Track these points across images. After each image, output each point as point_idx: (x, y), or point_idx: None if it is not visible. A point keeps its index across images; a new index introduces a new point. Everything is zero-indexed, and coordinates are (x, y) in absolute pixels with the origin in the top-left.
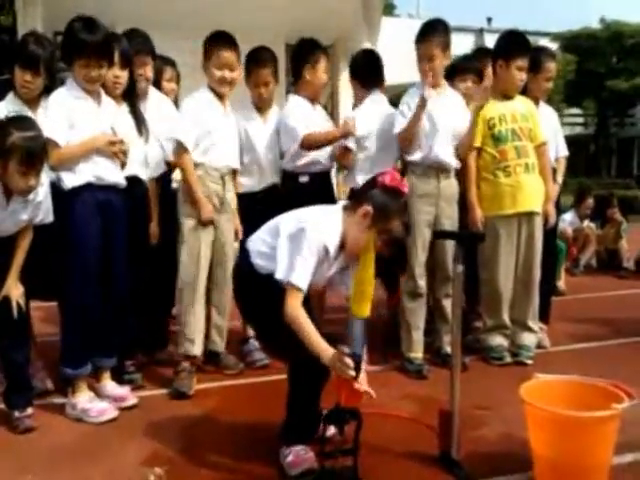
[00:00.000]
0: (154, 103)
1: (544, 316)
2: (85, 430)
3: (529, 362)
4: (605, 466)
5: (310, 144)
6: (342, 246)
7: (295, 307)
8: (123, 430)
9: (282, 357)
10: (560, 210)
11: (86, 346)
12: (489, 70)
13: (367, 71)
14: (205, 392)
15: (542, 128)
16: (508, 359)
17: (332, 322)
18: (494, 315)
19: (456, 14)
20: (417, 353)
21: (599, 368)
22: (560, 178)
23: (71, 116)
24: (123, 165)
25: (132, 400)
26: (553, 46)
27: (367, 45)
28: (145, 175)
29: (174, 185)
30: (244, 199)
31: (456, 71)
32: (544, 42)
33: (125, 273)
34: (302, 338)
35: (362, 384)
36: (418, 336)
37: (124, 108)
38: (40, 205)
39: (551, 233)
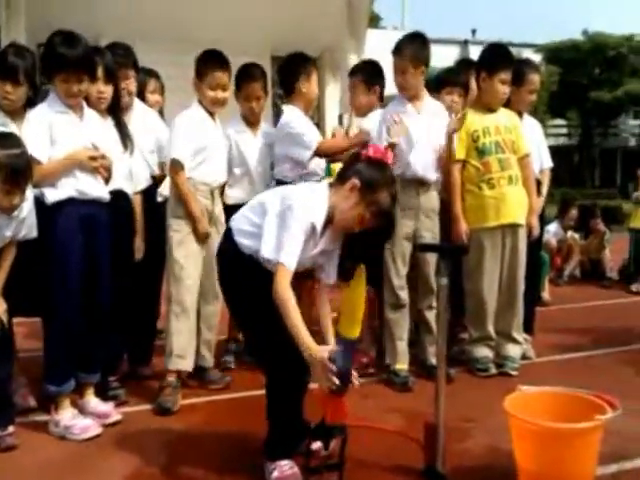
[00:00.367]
0: (139, 116)
1: (529, 327)
2: (68, 447)
3: (514, 373)
4: (589, 477)
5: (326, 151)
6: (328, 223)
7: (285, 287)
8: (107, 447)
9: (262, 357)
10: (544, 222)
11: (70, 362)
12: (472, 82)
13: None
14: (190, 407)
15: (526, 140)
16: (493, 370)
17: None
18: (479, 327)
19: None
20: (402, 365)
21: (583, 378)
22: (545, 190)
23: (52, 132)
24: (107, 180)
25: (116, 416)
26: (537, 58)
27: (353, 57)
28: (130, 189)
29: (159, 199)
30: (234, 211)
31: (442, 83)
32: (528, 54)
33: (109, 288)
34: (288, 324)
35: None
36: (402, 347)
37: (109, 122)
38: (24, 221)
39: (535, 245)
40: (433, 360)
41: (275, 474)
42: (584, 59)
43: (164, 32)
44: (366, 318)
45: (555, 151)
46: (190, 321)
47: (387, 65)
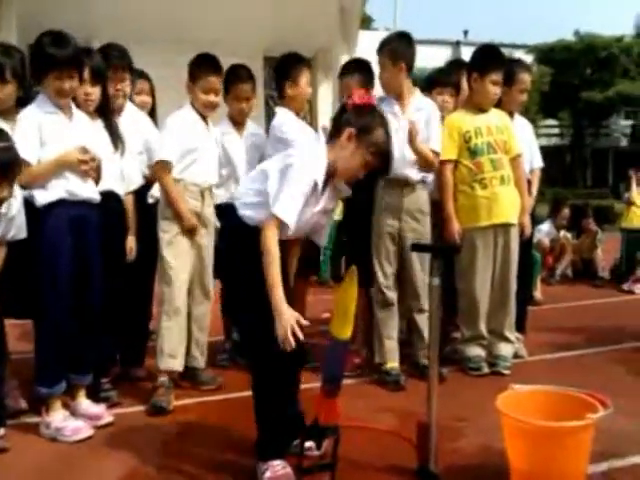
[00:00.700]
0: (130, 117)
1: (521, 326)
2: (60, 449)
3: (506, 372)
4: (581, 475)
5: None
6: (328, 179)
7: (271, 237)
8: (98, 449)
9: (254, 345)
10: (535, 221)
11: (60, 364)
12: (464, 83)
13: None
14: (182, 408)
15: (517, 140)
16: (486, 369)
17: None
18: (471, 326)
19: (433, 27)
20: (392, 363)
21: (575, 377)
22: (535, 190)
23: (42, 133)
24: (97, 181)
25: (108, 418)
26: (528, 58)
27: (345, 58)
28: (121, 190)
29: (150, 200)
30: (219, 210)
31: (433, 84)
32: (520, 54)
33: (100, 289)
34: (266, 275)
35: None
36: (391, 345)
37: (99, 124)
38: (13, 220)
39: (527, 244)
40: (424, 360)
41: (267, 474)
42: (576, 60)
43: (157, 33)
44: (358, 319)
45: (547, 151)
46: (181, 321)
47: (378, 66)
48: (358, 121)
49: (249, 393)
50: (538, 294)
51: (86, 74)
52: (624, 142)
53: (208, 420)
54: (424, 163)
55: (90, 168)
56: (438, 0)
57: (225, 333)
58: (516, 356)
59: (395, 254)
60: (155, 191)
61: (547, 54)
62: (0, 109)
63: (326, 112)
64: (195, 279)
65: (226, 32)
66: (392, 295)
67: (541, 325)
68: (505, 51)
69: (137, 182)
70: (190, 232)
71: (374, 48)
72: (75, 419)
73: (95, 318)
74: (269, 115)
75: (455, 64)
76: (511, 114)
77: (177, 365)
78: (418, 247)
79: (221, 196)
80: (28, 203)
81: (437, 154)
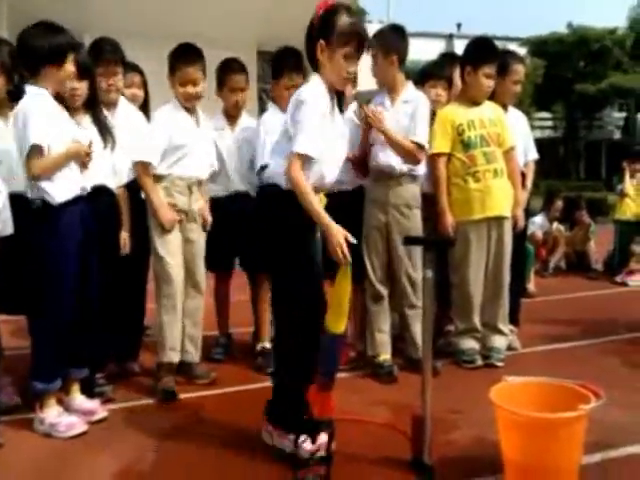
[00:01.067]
0: (123, 112)
1: (514, 318)
2: (54, 445)
3: (500, 364)
4: (575, 466)
5: None
6: (334, 99)
7: (296, 170)
8: (93, 444)
9: (287, 305)
10: (529, 214)
11: (60, 360)
12: (456, 76)
13: None
14: (177, 403)
15: (511, 133)
16: (479, 362)
17: None
18: (465, 319)
19: (426, 20)
20: (385, 355)
21: (568, 369)
22: (529, 183)
23: (49, 122)
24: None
25: (102, 414)
26: (522, 51)
27: None
28: (113, 184)
29: (143, 195)
30: (211, 204)
31: (427, 77)
32: (513, 47)
33: (97, 284)
34: (306, 207)
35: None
36: (382, 338)
37: (87, 119)
38: None
39: (521, 237)
40: (418, 354)
41: (308, 445)
42: (569, 52)
43: (150, 27)
44: (352, 313)
45: (541, 144)
46: (178, 315)
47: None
48: (320, 29)
49: (244, 387)
50: (531, 286)
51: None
52: (617, 134)
53: (203, 415)
54: (401, 153)
55: (88, 161)
56: None
57: (219, 328)
58: (510, 348)
59: (384, 248)
60: None
61: (540, 47)
62: None
63: None
64: (187, 274)
65: (219, 26)
66: (382, 289)
67: (534, 317)
68: (498, 44)
69: (128, 175)
70: (165, 225)
71: None
72: (69, 415)
73: (93, 313)
74: (262, 109)
75: (447, 57)
76: (505, 106)
77: (177, 357)
78: (412, 240)
79: (213, 190)
80: (24, 201)
81: (421, 147)
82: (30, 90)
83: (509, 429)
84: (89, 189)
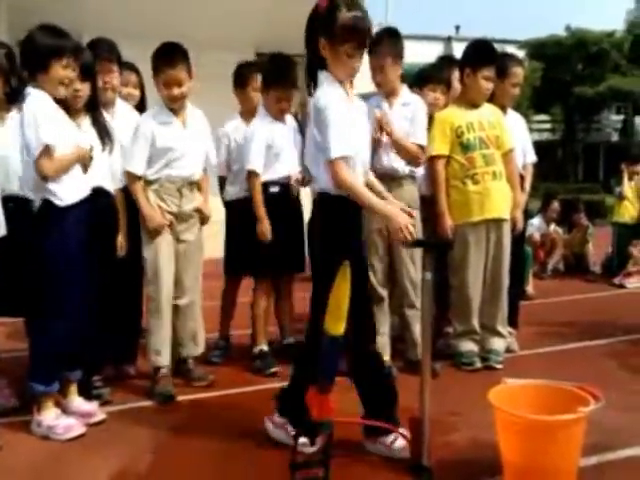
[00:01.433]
0: (121, 113)
1: (513, 320)
2: (52, 448)
3: (498, 367)
4: (573, 469)
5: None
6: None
7: (342, 173)
8: (91, 447)
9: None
10: (528, 216)
11: (60, 363)
12: (454, 79)
13: None
14: (175, 405)
15: (509, 135)
16: (478, 364)
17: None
18: (464, 321)
19: (425, 23)
20: (384, 357)
21: (567, 371)
22: (528, 185)
23: (54, 124)
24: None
25: (100, 416)
26: (520, 54)
27: None
28: (111, 186)
29: None
30: (231, 206)
31: (425, 80)
32: (511, 50)
33: (97, 285)
34: (362, 202)
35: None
36: (382, 340)
37: (87, 121)
38: None
39: (519, 239)
40: (417, 356)
41: (398, 442)
42: (567, 55)
43: (147, 28)
44: None
45: (539, 146)
46: (165, 318)
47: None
48: (322, 26)
49: (241, 390)
50: (530, 288)
51: (76, 71)
52: (615, 137)
53: (201, 417)
54: (406, 155)
55: (89, 164)
56: None
57: (221, 330)
58: (508, 350)
59: (385, 250)
60: None
61: (538, 49)
62: None
63: None
64: (181, 273)
65: (218, 28)
66: (382, 291)
67: (533, 319)
68: (497, 46)
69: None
70: (152, 233)
71: None
72: (67, 417)
73: (90, 314)
74: None
75: (446, 60)
76: (504, 109)
77: (163, 361)
78: (410, 242)
79: (232, 193)
80: (21, 202)
81: (422, 148)
82: (32, 93)
83: (508, 431)
84: (89, 191)
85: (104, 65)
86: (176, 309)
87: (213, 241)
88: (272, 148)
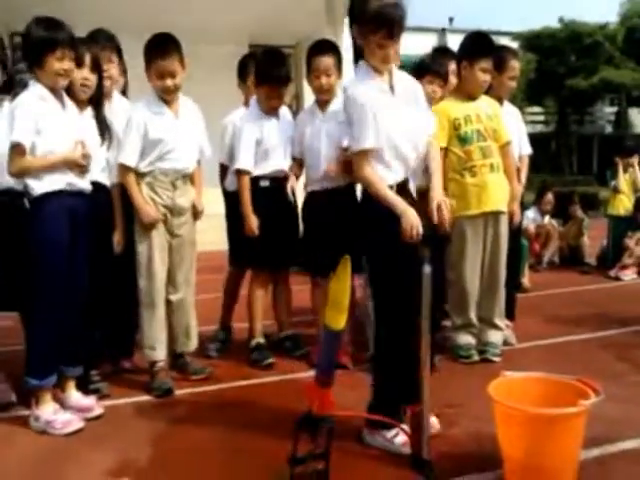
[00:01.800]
0: (118, 106)
1: (510, 313)
2: (50, 442)
3: (496, 359)
4: (573, 462)
5: None
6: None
7: (362, 169)
8: (89, 441)
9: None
10: (523, 208)
11: (55, 356)
12: (450, 71)
13: None
14: (172, 399)
15: (506, 128)
16: (476, 357)
17: (301, 324)
18: (461, 314)
19: (418, 14)
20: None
21: (564, 364)
22: (524, 177)
23: (38, 120)
24: (85, 172)
25: (98, 410)
26: (514, 45)
27: None
28: (108, 181)
29: None
30: (233, 197)
31: (424, 72)
32: (505, 41)
33: (88, 281)
34: (380, 197)
35: None
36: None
37: (88, 113)
38: None
39: (516, 231)
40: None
41: (400, 438)
42: (560, 47)
43: (140, 21)
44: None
45: (533, 138)
46: (159, 313)
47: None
48: (354, 16)
49: (239, 383)
50: (526, 281)
51: (87, 59)
52: (609, 129)
53: (199, 411)
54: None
55: (87, 164)
56: None
57: (221, 321)
58: (505, 343)
59: None
60: None
61: (532, 41)
62: None
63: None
64: (175, 267)
65: (212, 20)
66: None
67: (529, 312)
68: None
69: None
70: (146, 226)
71: None
72: (65, 412)
73: (85, 310)
74: None
75: (440, 52)
76: (500, 101)
77: (157, 355)
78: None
79: (234, 184)
80: (18, 195)
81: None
82: (30, 86)
83: (507, 424)
84: (83, 187)
85: (104, 53)
86: (169, 304)
87: (212, 234)
88: (262, 144)
